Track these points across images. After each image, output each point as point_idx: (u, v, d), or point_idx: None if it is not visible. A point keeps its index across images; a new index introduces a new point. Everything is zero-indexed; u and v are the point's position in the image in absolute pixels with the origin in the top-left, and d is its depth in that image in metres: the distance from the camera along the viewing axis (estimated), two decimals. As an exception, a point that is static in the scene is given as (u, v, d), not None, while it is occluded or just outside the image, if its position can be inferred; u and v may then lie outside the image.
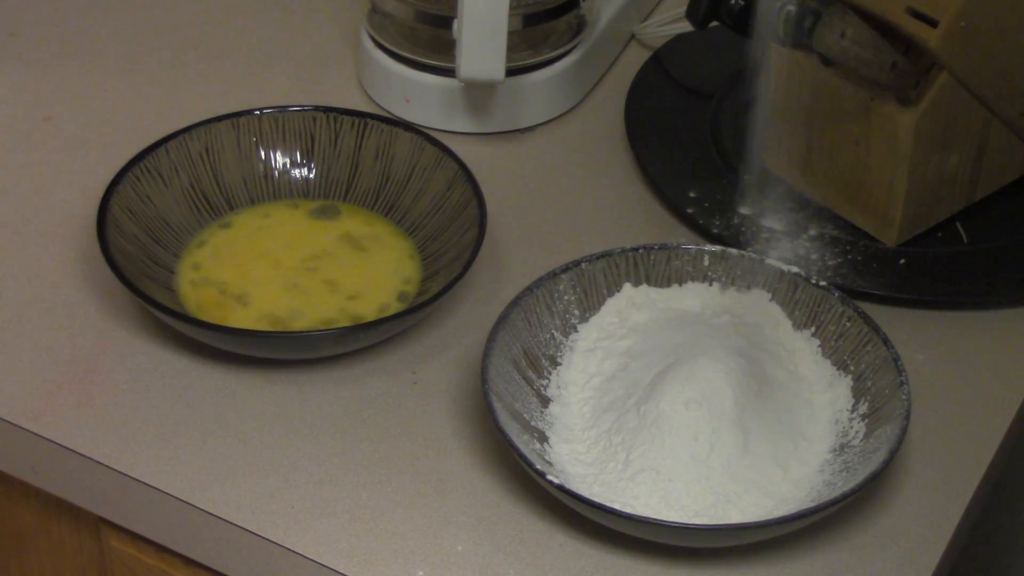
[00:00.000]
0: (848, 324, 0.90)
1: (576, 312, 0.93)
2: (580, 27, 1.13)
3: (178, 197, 0.99)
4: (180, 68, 1.15)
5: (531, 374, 0.89)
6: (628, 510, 0.82)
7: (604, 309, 0.93)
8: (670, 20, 1.20)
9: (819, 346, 0.91)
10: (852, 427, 0.87)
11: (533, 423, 0.87)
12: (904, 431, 0.83)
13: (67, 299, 0.96)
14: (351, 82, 1.15)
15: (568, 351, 0.91)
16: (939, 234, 1.02)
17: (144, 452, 0.87)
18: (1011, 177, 1.04)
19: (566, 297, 0.92)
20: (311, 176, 1.02)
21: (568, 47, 1.12)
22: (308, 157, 1.03)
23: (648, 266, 0.94)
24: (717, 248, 0.94)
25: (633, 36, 1.20)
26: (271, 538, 0.83)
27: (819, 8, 0.90)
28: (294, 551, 0.82)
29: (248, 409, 0.90)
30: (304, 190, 1.02)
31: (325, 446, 0.88)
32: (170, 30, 1.19)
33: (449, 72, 1.07)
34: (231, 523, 0.84)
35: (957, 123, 0.97)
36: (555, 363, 0.91)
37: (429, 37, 1.10)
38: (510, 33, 1.03)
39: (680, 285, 0.95)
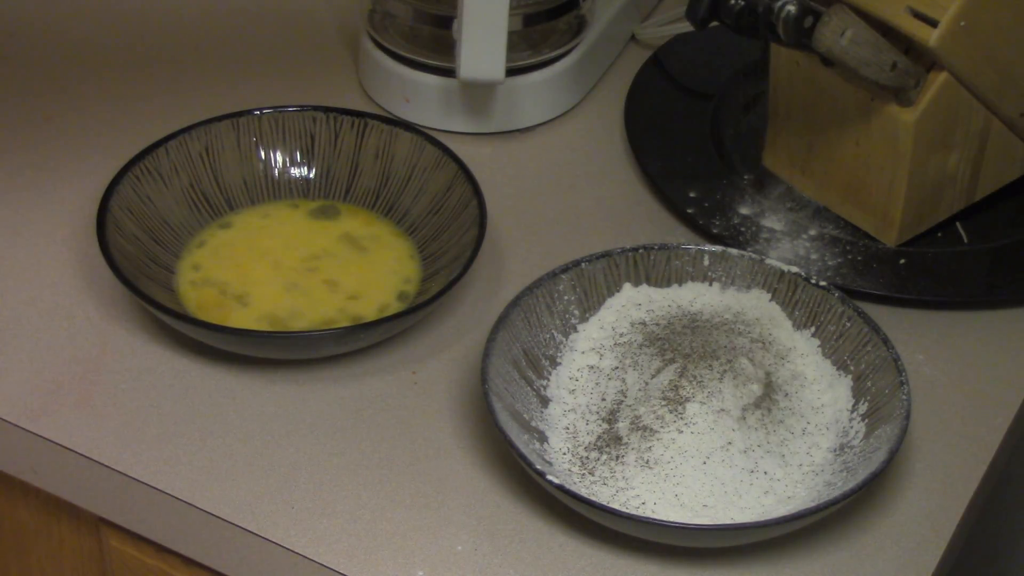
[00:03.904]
0: (848, 324, 0.90)
1: (576, 312, 0.93)
2: (580, 27, 1.13)
3: (178, 197, 0.99)
4: (180, 68, 1.15)
5: (531, 374, 0.89)
6: (628, 510, 0.82)
7: (604, 309, 0.93)
8: (670, 20, 1.20)
9: (819, 346, 0.91)
10: (852, 427, 0.87)
11: (533, 423, 0.87)
12: (904, 431, 0.83)
13: (67, 299, 0.96)
14: (351, 82, 1.15)
15: (568, 351, 0.91)
16: (939, 234, 1.02)
17: (144, 452, 0.87)
18: (1011, 177, 1.04)
19: (566, 297, 0.92)
20: (311, 176, 1.02)
21: (568, 47, 1.12)
22: (308, 157, 1.03)
23: (648, 266, 0.94)
24: (717, 248, 0.94)
25: (633, 36, 1.20)
26: (271, 538, 0.83)
27: (819, 8, 0.90)
28: (294, 551, 0.82)
29: (248, 409, 0.90)
30: (304, 190, 1.02)
31: (325, 446, 0.88)
32: (170, 30, 1.19)
33: (449, 72, 1.07)
34: (231, 523, 0.84)
35: (957, 123, 0.97)
36: (555, 363, 0.91)
37: (429, 37, 1.10)
38: (510, 33, 1.03)
39: (680, 285, 0.95)
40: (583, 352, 0.91)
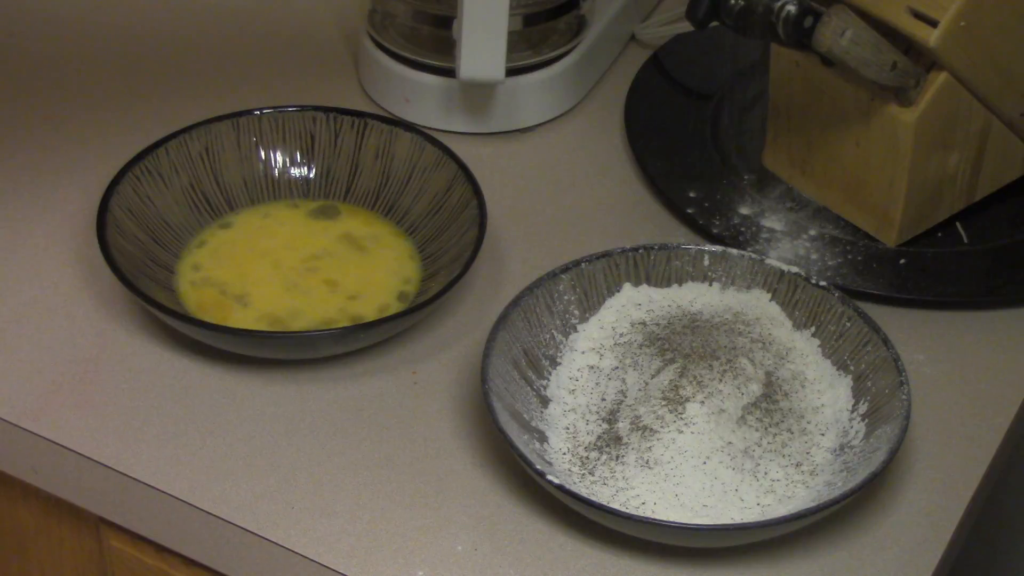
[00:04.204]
0: (848, 324, 0.90)
1: (576, 312, 0.93)
2: (580, 27, 1.13)
3: (178, 197, 0.99)
4: (180, 68, 1.15)
5: (531, 374, 0.89)
6: (628, 510, 0.82)
7: (604, 309, 0.93)
8: (670, 20, 1.20)
9: (819, 346, 0.91)
10: (852, 427, 0.87)
11: (533, 423, 0.87)
12: (904, 431, 0.83)
13: (67, 299, 0.96)
14: (351, 82, 1.15)
15: (568, 351, 0.91)
16: (939, 234, 1.02)
17: (144, 452, 0.87)
18: (1011, 177, 1.04)
19: (566, 297, 0.92)
20: (311, 176, 1.02)
21: (568, 47, 1.12)
22: (308, 157, 1.03)
23: (648, 266, 0.94)
24: (717, 248, 0.94)
25: (633, 36, 1.20)
26: (271, 538, 0.83)
27: (819, 8, 0.90)
28: (294, 551, 0.82)
29: (248, 409, 0.90)
30: (304, 190, 1.02)
31: (325, 446, 0.88)
32: (170, 30, 1.19)
33: (449, 72, 1.07)
34: (231, 523, 0.84)
35: (957, 123, 0.97)
36: (555, 363, 0.91)
37: (429, 37, 1.10)
38: (510, 33, 1.03)
39: (680, 285, 0.95)
40: (583, 352, 0.91)
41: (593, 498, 0.81)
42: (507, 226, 1.03)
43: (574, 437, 0.87)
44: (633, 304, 0.93)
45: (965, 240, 1.02)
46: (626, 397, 0.88)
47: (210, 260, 0.97)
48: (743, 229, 1.01)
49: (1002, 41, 0.95)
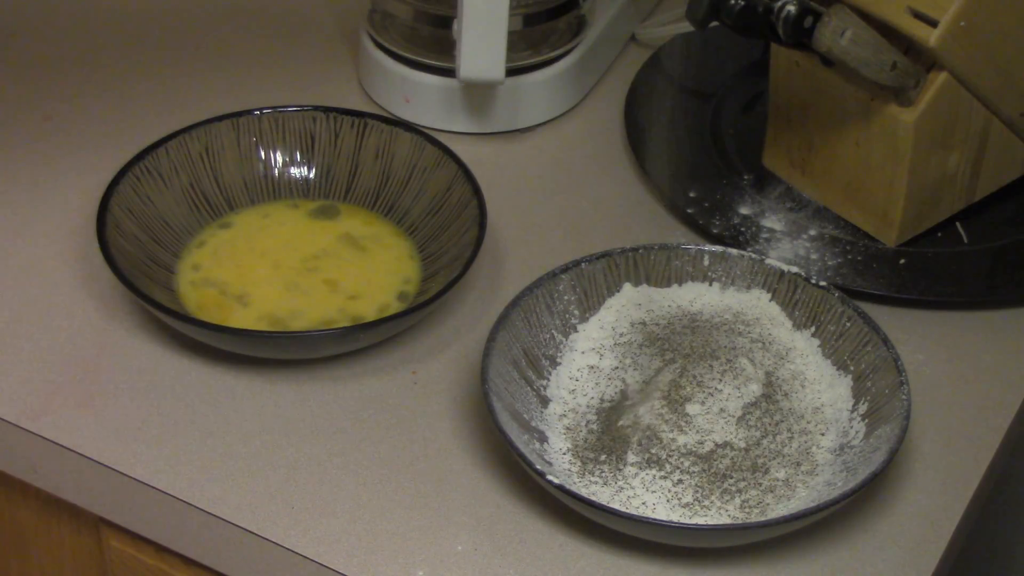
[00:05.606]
0: (848, 324, 0.90)
1: (576, 312, 0.93)
2: (580, 27, 1.13)
3: (178, 197, 0.99)
4: (180, 68, 1.15)
5: (531, 374, 0.89)
6: (628, 510, 0.82)
7: (604, 309, 0.93)
8: (670, 20, 1.20)
9: (819, 346, 0.91)
10: (852, 427, 0.87)
11: (533, 423, 0.87)
12: (904, 431, 0.83)
13: (67, 299, 0.96)
14: (351, 82, 1.15)
15: (568, 351, 0.91)
16: (939, 234, 1.02)
17: (144, 452, 0.87)
18: (1011, 177, 1.04)
19: (566, 297, 0.92)
20: (311, 176, 1.02)
21: (568, 47, 1.12)
22: (308, 157, 1.03)
23: (648, 266, 0.94)
24: (717, 248, 0.94)
25: (633, 36, 1.20)
26: (271, 538, 0.83)
27: (819, 8, 0.90)
28: (294, 551, 0.83)
29: (248, 409, 0.90)
30: (304, 190, 1.02)
31: (325, 446, 0.88)
32: (170, 30, 1.19)
33: (449, 72, 1.07)
34: (231, 523, 0.84)
35: (957, 123, 0.97)
36: (555, 363, 0.91)
37: (429, 37, 1.10)
38: (510, 33, 1.03)
39: (680, 285, 0.95)
40: (583, 352, 0.91)
41: (593, 498, 0.82)
42: (507, 226, 1.03)
43: (574, 437, 0.87)
44: (633, 304, 0.93)
45: (965, 240, 1.02)
46: (626, 397, 0.88)
47: (210, 260, 0.97)
48: (743, 229, 1.01)
49: (1002, 41, 0.95)
